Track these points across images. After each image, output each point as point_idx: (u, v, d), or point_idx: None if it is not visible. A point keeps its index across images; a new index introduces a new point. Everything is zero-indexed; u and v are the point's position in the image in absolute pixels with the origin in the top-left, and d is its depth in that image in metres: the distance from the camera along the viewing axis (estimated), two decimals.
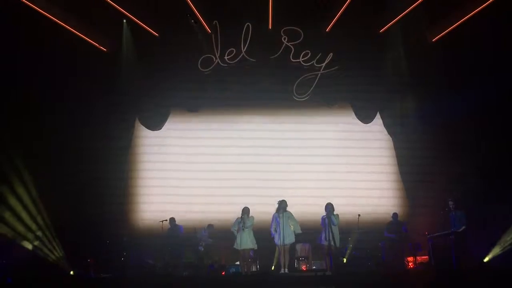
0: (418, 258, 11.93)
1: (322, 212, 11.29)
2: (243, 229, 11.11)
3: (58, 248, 12.18)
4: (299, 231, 11.19)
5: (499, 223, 11.83)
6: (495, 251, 11.78)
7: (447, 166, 12.75)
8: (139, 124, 13.99)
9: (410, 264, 11.88)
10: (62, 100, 12.62)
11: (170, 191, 13.73)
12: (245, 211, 11.33)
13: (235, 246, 11.22)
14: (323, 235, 11.06)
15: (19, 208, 11.90)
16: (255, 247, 11.34)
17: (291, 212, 11.28)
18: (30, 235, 11.97)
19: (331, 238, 10.68)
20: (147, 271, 11.74)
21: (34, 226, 12.04)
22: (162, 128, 13.95)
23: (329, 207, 11.09)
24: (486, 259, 11.76)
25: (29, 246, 11.85)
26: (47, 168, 12.24)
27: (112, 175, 13.18)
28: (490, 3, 11.89)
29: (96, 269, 11.69)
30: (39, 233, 12.04)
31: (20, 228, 11.85)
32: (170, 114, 13.95)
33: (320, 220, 11.20)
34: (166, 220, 12.36)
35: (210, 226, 12.71)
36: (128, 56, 13.39)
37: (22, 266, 10.90)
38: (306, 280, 9.93)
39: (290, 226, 11.08)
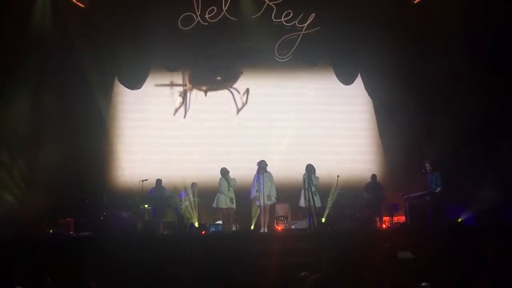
0: (394, 218, 12.19)
1: (302, 172, 11.47)
2: (228, 189, 11.35)
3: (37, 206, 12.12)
4: (275, 196, 11.45)
5: (474, 184, 12.14)
6: (469, 211, 12.10)
7: (425, 129, 12.91)
8: (118, 83, 13.76)
9: (386, 223, 12.14)
10: (39, 59, 12.31)
11: (151, 151, 13.69)
12: (225, 171, 11.48)
13: (218, 205, 11.41)
14: (302, 197, 11.29)
15: None
16: (234, 207, 11.56)
17: (271, 173, 11.46)
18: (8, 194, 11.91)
19: (311, 198, 10.87)
20: (128, 230, 11.77)
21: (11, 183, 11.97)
22: (142, 87, 13.75)
23: (310, 167, 11.28)
24: (460, 219, 12.07)
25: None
26: (25, 127, 12.07)
27: (92, 135, 13.05)
28: None
29: (76, 228, 11.70)
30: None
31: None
32: (150, 73, 13.72)
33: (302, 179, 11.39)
34: (146, 180, 12.33)
35: (194, 184, 12.74)
36: (107, 13, 13.03)
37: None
38: (286, 238, 10.10)
39: (270, 187, 11.29)
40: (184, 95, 14.03)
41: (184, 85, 14.05)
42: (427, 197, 11.15)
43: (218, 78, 14.03)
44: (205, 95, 14.01)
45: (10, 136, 12.01)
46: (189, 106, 13.96)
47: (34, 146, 12.12)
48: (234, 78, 14.02)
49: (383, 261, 5.72)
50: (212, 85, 14.02)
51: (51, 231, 11.70)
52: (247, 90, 13.98)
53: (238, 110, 13.97)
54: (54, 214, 11.91)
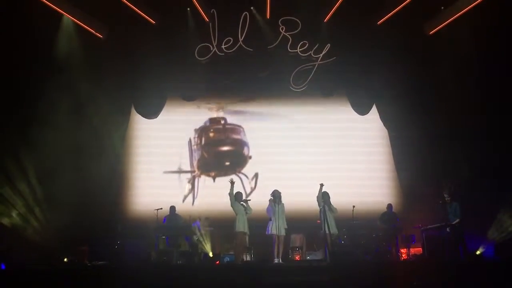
0: (411, 250, 12.00)
1: (316, 202, 11.36)
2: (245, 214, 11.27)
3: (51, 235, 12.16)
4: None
5: (492, 215, 12.00)
6: (486, 243, 11.92)
7: (442, 158, 12.83)
8: (135, 112, 13.90)
9: (403, 255, 11.95)
10: (57, 88, 12.45)
11: (166, 180, 13.78)
12: (241, 196, 11.46)
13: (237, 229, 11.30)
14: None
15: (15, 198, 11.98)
16: (247, 232, 11.44)
17: (284, 204, 11.40)
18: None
19: (326, 228, 10.75)
20: (142, 259, 11.70)
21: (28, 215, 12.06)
22: (158, 116, 13.86)
23: (326, 196, 11.19)
24: (478, 252, 11.88)
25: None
26: (43, 156, 12.19)
27: (108, 163, 13.08)
28: None
29: (90, 257, 11.67)
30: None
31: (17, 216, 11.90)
32: (166, 103, 13.84)
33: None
34: (161, 208, 12.30)
35: (207, 219, 12.73)
36: (124, 43, 13.24)
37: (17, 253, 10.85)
38: (301, 270, 9.97)
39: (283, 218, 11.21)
40: (192, 181, 14.02)
41: (192, 171, 14.06)
42: (447, 229, 10.98)
43: (227, 163, 14.03)
44: (214, 181, 14.00)
45: (29, 166, 12.15)
46: (197, 193, 13.94)
47: (51, 175, 12.19)
48: (243, 163, 14.02)
49: None
50: (220, 170, 13.98)
51: (65, 259, 11.69)
52: (256, 175, 13.92)
53: (247, 195, 13.66)
54: (68, 242, 11.89)
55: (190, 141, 14.04)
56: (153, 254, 11.90)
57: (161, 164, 13.88)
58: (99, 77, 12.96)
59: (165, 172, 13.87)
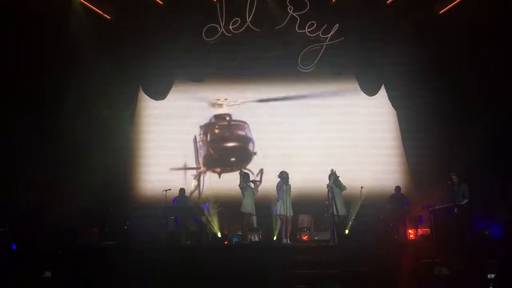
0: (419, 230, 12.02)
1: (325, 183, 11.38)
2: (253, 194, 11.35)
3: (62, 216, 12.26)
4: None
5: (501, 196, 11.95)
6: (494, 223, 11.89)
7: (451, 140, 12.75)
8: (143, 93, 13.90)
9: (411, 236, 11.98)
10: (65, 69, 12.52)
11: (174, 161, 13.85)
12: (249, 176, 11.55)
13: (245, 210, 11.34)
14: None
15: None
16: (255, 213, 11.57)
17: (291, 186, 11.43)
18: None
19: (334, 209, 10.79)
20: (151, 240, 11.81)
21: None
22: (166, 97, 13.85)
23: (333, 175, 11.19)
24: (486, 232, 11.86)
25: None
26: (53, 142, 12.31)
27: (116, 145, 13.16)
28: None
29: (100, 238, 11.79)
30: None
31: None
32: (174, 84, 13.82)
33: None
34: (170, 190, 12.36)
35: (216, 201, 12.80)
36: (132, 24, 13.18)
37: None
38: (309, 250, 10.04)
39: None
40: (198, 177, 14.02)
41: (198, 168, 14.05)
42: (454, 210, 10.97)
43: (232, 159, 14.01)
44: (219, 177, 13.99)
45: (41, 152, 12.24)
46: (203, 189, 13.92)
47: (61, 159, 12.29)
48: (248, 159, 13.97)
49: (418, 278, 5.64)
50: (226, 166, 13.96)
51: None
52: (261, 171, 13.83)
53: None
54: (79, 224, 12.00)
55: (195, 137, 14.03)
56: (162, 235, 12.02)
57: (170, 148, 13.88)
58: (107, 59, 12.93)
59: (172, 169, 13.89)
